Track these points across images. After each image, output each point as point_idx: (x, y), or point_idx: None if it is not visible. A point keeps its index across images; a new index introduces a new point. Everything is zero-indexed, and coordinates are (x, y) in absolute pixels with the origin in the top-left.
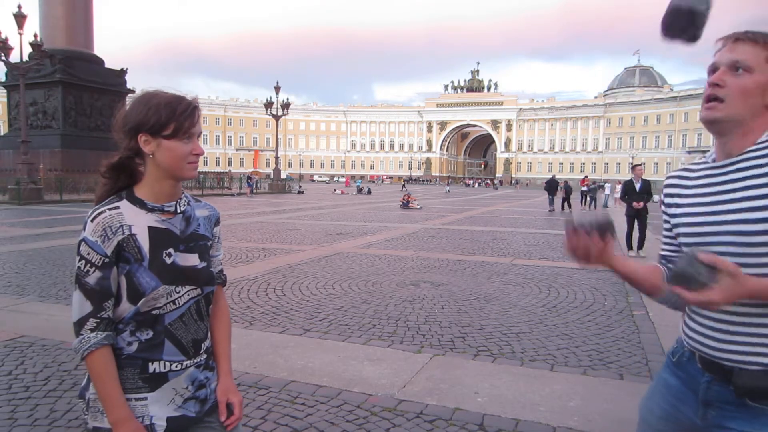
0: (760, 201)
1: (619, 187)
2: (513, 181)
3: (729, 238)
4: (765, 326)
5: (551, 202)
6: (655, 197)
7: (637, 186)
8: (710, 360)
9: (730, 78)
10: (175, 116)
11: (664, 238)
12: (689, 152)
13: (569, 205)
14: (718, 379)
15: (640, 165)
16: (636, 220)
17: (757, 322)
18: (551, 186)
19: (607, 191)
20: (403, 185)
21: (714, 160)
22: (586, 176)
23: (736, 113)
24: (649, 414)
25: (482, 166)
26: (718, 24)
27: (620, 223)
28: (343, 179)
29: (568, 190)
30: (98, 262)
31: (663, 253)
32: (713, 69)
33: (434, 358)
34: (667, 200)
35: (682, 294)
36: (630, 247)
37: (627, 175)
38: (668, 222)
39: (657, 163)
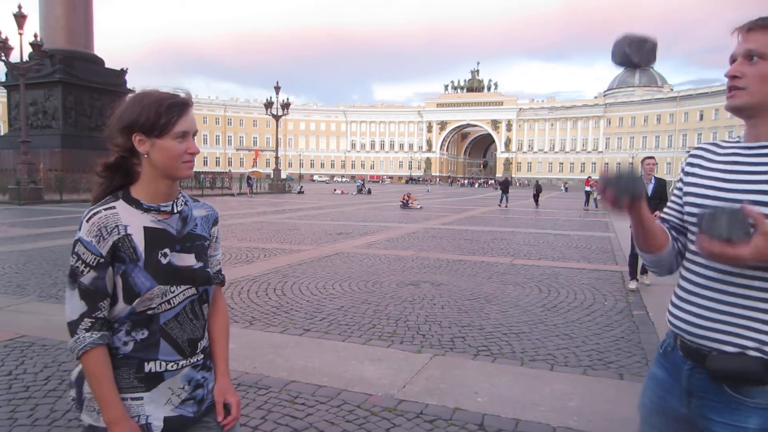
0: None
1: None
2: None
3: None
4: (745, 307)
5: (502, 199)
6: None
7: (649, 188)
8: (690, 346)
9: (747, 67)
10: (167, 115)
11: (670, 202)
12: (689, 152)
13: (536, 201)
14: (698, 366)
15: (651, 158)
16: None
17: (737, 303)
18: (504, 185)
19: None
20: (363, 184)
21: (742, 141)
22: (590, 176)
23: (757, 100)
24: (644, 410)
25: (482, 166)
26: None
27: (624, 237)
28: (343, 179)
29: (538, 188)
30: (93, 262)
31: (664, 216)
32: (732, 60)
33: (434, 358)
34: (688, 169)
35: (707, 244)
36: (633, 276)
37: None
38: (680, 189)
39: (657, 164)
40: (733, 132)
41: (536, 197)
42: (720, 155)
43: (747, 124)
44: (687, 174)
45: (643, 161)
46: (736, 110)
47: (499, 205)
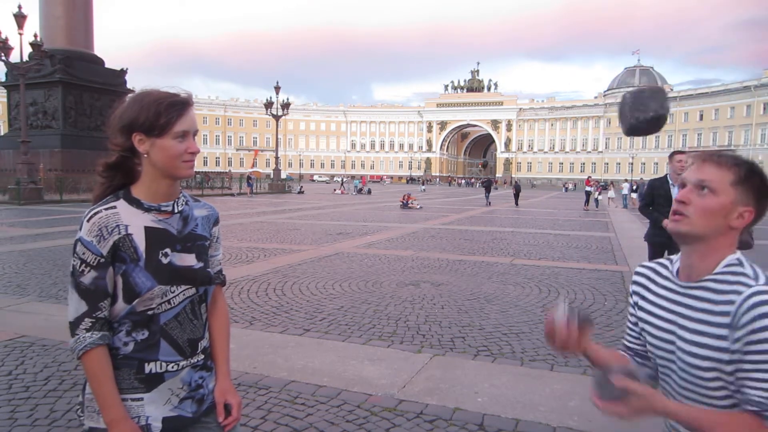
0: (708, 339)
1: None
2: (503, 182)
3: (685, 357)
4: None
5: (487, 197)
6: None
7: (674, 190)
8: None
9: (695, 197)
10: (166, 114)
11: (627, 328)
12: (635, 272)
13: (516, 201)
14: None
15: (681, 153)
16: (667, 253)
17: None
18: (487, 184)
19: (624, 191)
20: (342, 183)
21: (677, 272)
22: (589, 176)
23: (699, 231)
24: None
25: (482, 166)
26: (713, 25)
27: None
28: (344, 179)
29: (518, 188)
30: (93, 262)
31: (627, 343)
32: (683, 184)
33: (434, 358)
34: (634, 290)
35: (595, 401)
36: None
37: (625, 174)
38: (634, 315)
39: (657, 163)
40: (733, 133)
41: (516, 196)
42: (659, 286)
43: (683, 252)
44: (634, 296)
45: (672, 157)
46: (677, 235)
47: (489, 204)
